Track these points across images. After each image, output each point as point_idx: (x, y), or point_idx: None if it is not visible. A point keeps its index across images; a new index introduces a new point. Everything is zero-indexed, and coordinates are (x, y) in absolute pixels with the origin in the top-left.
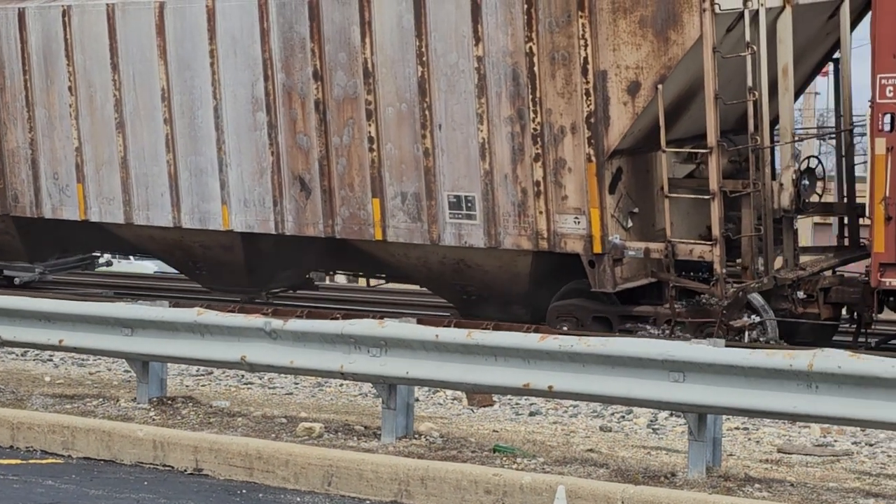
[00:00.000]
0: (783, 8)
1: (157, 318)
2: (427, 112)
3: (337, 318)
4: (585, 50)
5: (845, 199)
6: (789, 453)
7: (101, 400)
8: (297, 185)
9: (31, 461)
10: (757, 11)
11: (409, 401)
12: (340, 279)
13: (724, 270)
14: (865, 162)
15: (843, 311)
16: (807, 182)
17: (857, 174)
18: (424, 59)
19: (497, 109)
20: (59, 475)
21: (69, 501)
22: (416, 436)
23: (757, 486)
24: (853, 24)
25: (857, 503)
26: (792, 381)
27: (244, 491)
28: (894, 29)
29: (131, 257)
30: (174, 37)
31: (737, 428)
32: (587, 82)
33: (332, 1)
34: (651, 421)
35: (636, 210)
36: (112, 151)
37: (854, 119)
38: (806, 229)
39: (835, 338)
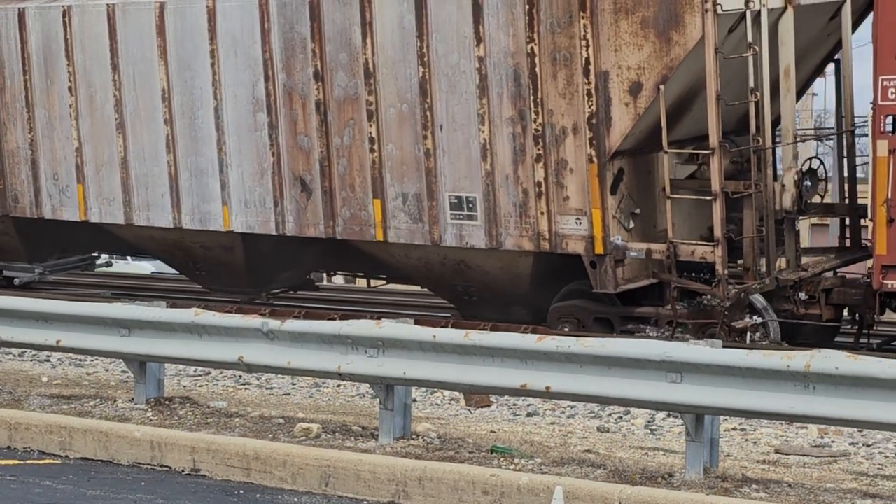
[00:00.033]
0: (785, 9)
1: (155, 318)
2: (428, 113)
3: (334, 319)
4: (587, 50)
5: (846, 200)
6: (787, 454)
7: (98, 400)
8: (298, 185)
9: (28, 462)
10: (759, 12)
11: (406, 401)
12: (338, 280)
13: (726, 271)
14: (865, 164)
15: (845, 313)
16: (808, 183)
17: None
18: (426, 59)
19: (498, 110)
20: (57, 475)
21: (67, 502)
22: (414, 436)
23: (754, 486)
24: (854, 25)
25: None
26: (789, 381)
27: (241, 491)
28: None
29: (128, 257)
30: (175, 37)
31: (734, 429)
32: (589, 83)
33: (333, 1)
34: (648, 422)
35: (638, 211)
36: (112, 152)
37: (856, 120)
38: (803, 230)
39: (837, 339)
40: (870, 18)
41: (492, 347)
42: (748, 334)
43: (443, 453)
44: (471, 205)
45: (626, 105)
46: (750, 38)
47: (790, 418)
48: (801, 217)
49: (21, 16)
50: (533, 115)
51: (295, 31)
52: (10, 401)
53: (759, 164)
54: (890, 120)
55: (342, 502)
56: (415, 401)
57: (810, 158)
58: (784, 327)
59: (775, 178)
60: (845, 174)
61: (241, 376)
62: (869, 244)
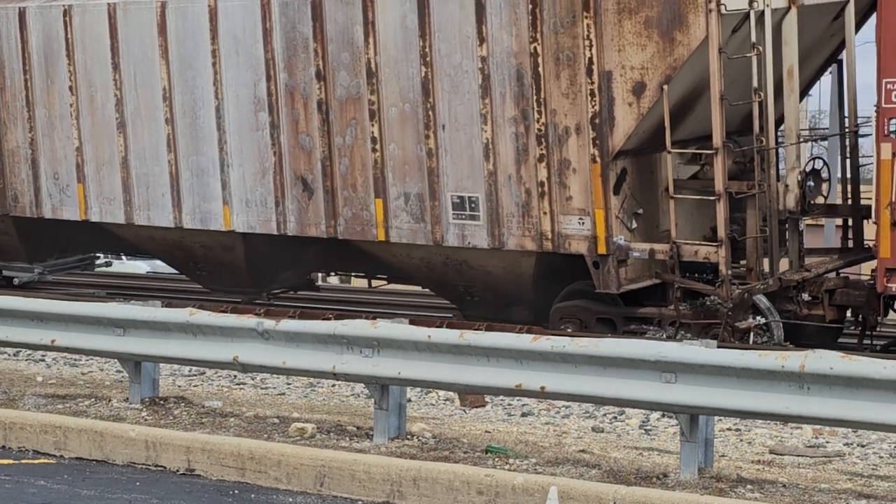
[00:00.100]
0: (788, 9)
1: (150, 318)
2: (430, 112)
3: (329, 319)
4: (590, 50)
5: (849, 201)
6: (781, 454)
7: (93, 400)
8: (300, 185)
9: (23, 461)
10: (762, 12)
11: (401, 401)
12: (333, 279)
13: (729, 272)
14: (864, 165)
15: (848, 314)
16: (812, 183)
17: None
18: (428, 59)
19: (501, 110)
20: (52, 475)
21: (61, 501)
22: (409, 436)
23: (749, 487)
24: (858, 26)
25: None
26: (784, 382)
27: (236, 491)
28: None
29: (123, 257)
30: (176, 36)
31: (729, 429)
32: (592, 83)
33: (335, 1)
34: (643, 422)
35: (640, 211)
36: (113, 151)
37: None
38: None
39: (840, 340)
40: (873, 19)
41: (487, 347)
42: (751, 335)
43: (438, 453)
44: (473, 205)
45: (629, 105)
46: (754, 38)
47: (785, 419)
48: (804, 217)
49: (22, 15)
50: (536, 115)
51: (297, 30)
52: (5, 400)
53: (762, 165)
54: (894, 123)
55: (337, 502)
56: (410, 401)
57: (813, 159)
58: (787, 328)
59: (778, 178)
60: (848, 175)
61: (235, 376)
62: (872, 246)
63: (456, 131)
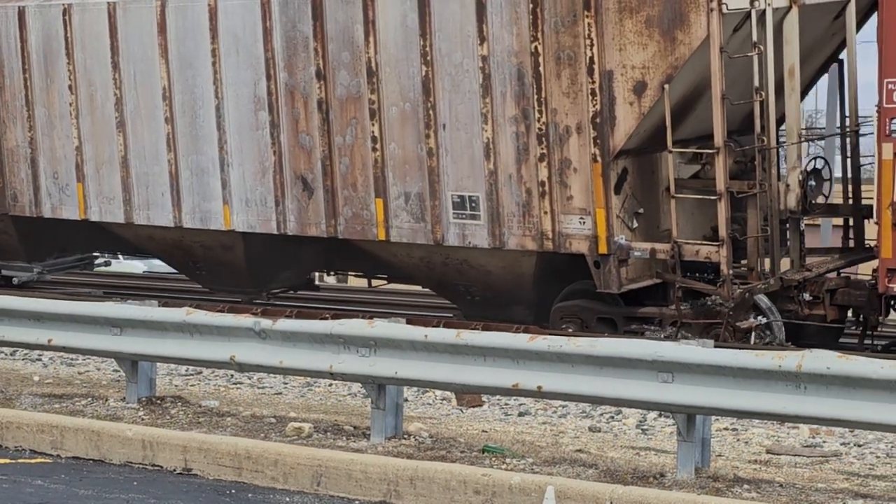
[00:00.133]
0: (789, 8)
1: (147, 317)
2: (431, 112)
3: (326, 318)
4: (591, 50)
5: (850, 201)
6: (778, 454)
7: (90, 399)
8: (300, 184)
9: (20, 461)
10: (763, 11)
11: (398, 401)
12: (329, 279)
13: (731, 272)
14: (864, 165)
15: (849, 314)
16: (813, 183)
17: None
18: (429, 58)
19: (502, 109)
20: (49, 475)
21: (58, 501)
22: (406, 436)
23: (746, 486)
24: (859, 25)
25: None
26: (780, 381)
27: (233, 491)
28: None
29: (120, 256)
30: (176, 35)
31: (725, 429)
32: (593, 82)
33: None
34: (640, 421)
35: (641, 211)
36: (112, 150)
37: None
38: None
39: (841, 340)
40: (874, 19)
41: (483, 347)
42: (752, 335)
43: (434, 453)
44: (474, 204)
45: (630, 104)
46: (755, 38)
47: (781, 418)
48: (805, 217)
49: (21, 14)
50: (536, 115)
51: (297, 29)
52: (2, 400)
53: (763, 164)
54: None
55: (334, 502)
56: (406, 400)
57: (815, 158)
58: (788, 328)
59: (779, 177)
60: (848, 175)
61: (232, 375)
62: (874, 246)
63: (456, 130)
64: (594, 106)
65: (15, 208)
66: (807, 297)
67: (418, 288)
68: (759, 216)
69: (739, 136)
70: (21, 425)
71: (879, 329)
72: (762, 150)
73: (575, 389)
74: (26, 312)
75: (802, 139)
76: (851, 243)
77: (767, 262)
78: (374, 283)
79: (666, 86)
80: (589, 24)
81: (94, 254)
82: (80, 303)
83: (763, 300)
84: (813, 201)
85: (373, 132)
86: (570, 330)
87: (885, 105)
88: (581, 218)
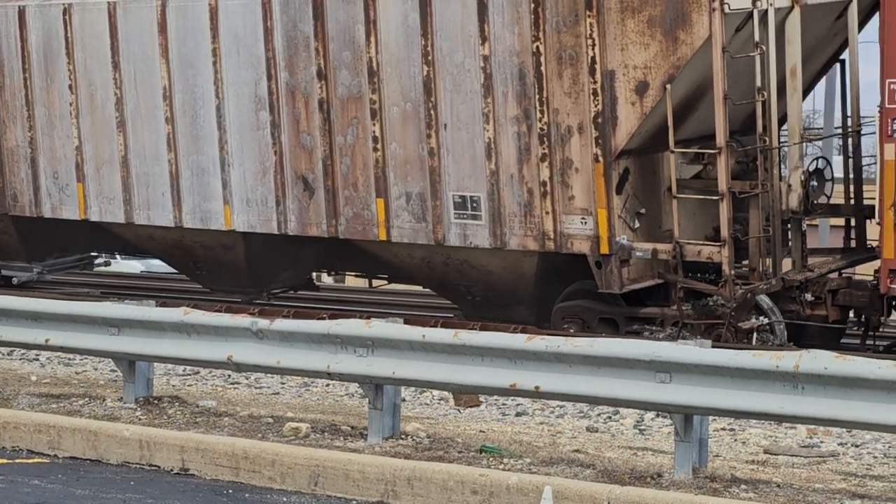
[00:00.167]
0: (791, 8)
1: (144, 317)
2: (432, 111)
3: (323, 318)
4: (593, 49)
5: (852, 201)
6: (775, 454)
7: (87, 399)
8: (301, 184)
9: (17, 461)
10: (766, 11)
11: (395, 401)
12: (326, 278)
13: (732, 272)
14: (866, 165)
15: (851, 314)
16: (815, 183)
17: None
18: (430, 58)
19: (503, 109)
20: (46, 475)
21: (55, 501)
22: (403, 436)
23: (743, 486)
24: (860, 25)
25: None
26: (778, 382)
27: (230, 491)
28: None
29: (118, 256)
30: (176, 35)
31: (723, 429)
32: (595, 82)
33: None
34: (638, 422)
35: (643, 211)
36: (113, 150)
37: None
38: None
39: (843, 340)
40: (875, 19)
41: (481, 347)
42: (754, 335)
43: (432, 453)
44: (475, 204)
45: (632, 104)
46: (757, 38)
47: (779, 418)
48: (807, 217)
49: (21, 13)
50: (538, 115)
51: (298, 29)
52: None
53: (765, 164)
54: None
55: (331, 502)
56: (404, 400)
57: (817, 158)
58: (789, 328)
59: (780, 178)
60: (850, 175)
61: (230, 375)
62: (876, 246)
63: (458, 130)
64: (596, 106)
65: (15, 208)
66: (808, 297)
67: (417, 288)
68: (761, 216)
69: (741, 137)
70: (18, 425)
71: (881, 330)
72: (764, 150)
73: (572, 389)
74: (24, 312)
75: (805, 139)
76: (853, 244)
77: (769, 262)
78: (374, 283)
79: (668, 86)
80: (591, 23)
81: (94, 254)
82: (77, 303)
83: (765, 300)
84: (815, 201)
85: (374, 132)
86: (571, 330)
87: (887, 105)
88: (583, 218)
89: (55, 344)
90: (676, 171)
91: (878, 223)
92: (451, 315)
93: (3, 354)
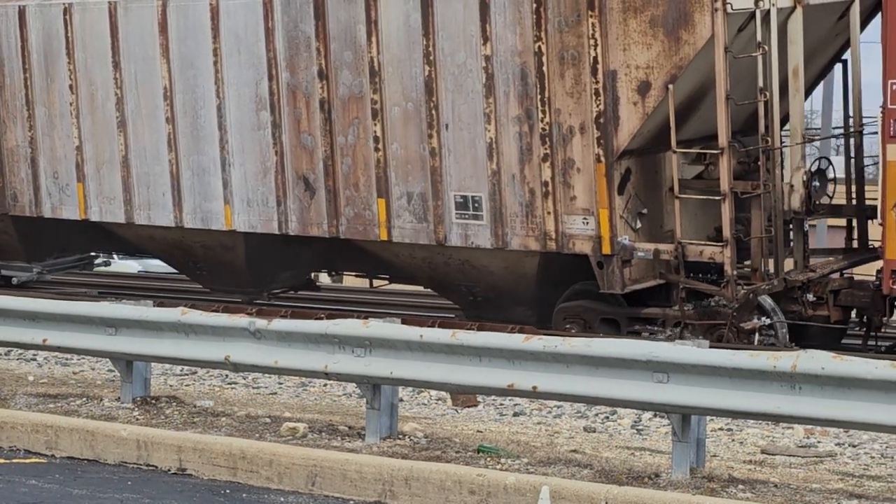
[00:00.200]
0: (794, 8)
1: (141, 317)
2: (434, 112)
3: (321, 318)
4: (595, 49)
5: (853, 201)
6: (773, 454)
7: (84, 399)
8: (302, 184)
9: (14, 460)
10: (768, 11)
11: (393, 401)
12: (323, 277)
13: (735, 272)
14: (867, 166)
15: (853, 315)
16: (817, 183)
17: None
18: (431, 58)
19: (505, 109)
20: (43, 475)
21: (52, 501)
22: (401, 436)
23: (740, 486)
24: (862, 25)
25: None
26: (775, 382)
27: (228, 491)
28: None
29: (115, 256)
30: (177, 35)
31: (720, 429)
32: (597, 82)
33: None
34: (635, 422)
35: (645, 211)
36: (113, 150)
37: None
38: None
39: (844, 341)
40: (878, 19)
41: (479, 347)
42: (756, 336)
43: (429, 453)
44: (476, 204)
45: (634, 104)
46: (759, 38)
47: (776, 418)
48: (809, 218)
49: (21, 13)
50: (540, 115)
51: (299, 29)
52: None
53: (767, 165)
54: None
55: (328, 502)
56: (401, 400)
57: (819, 159)
58: (791, 329)
59: (782, 178)
60: (852, 175)
61: (227, 375)
62: (878, 247)
63: (459, 130)
64: (598, 106)
65: (15, 208)
66: (810, 297)
67: (415, 288)
68: (763, 217)
69: (743, 137)
70: (16, 425)
71: (883, 330)
72: (766, 150)
73: (570, 390)
74: (21, 312)
75: (807, 140)
76: (855, 244)
77: (771, 262)
78: (375, 283)
79: (670, 86)
80: (593, 23)
81: (94, 254)
82: (75, 303)
83: (767, 301)
84: (817, 202)
85: (375, 132)
86: (573, 331)
87: (889, 106)
88: (584, 218)
89: (52, 344)
90: (678, 171)
91: (881, 224)
92: (450, 315)
93: (1, 354)
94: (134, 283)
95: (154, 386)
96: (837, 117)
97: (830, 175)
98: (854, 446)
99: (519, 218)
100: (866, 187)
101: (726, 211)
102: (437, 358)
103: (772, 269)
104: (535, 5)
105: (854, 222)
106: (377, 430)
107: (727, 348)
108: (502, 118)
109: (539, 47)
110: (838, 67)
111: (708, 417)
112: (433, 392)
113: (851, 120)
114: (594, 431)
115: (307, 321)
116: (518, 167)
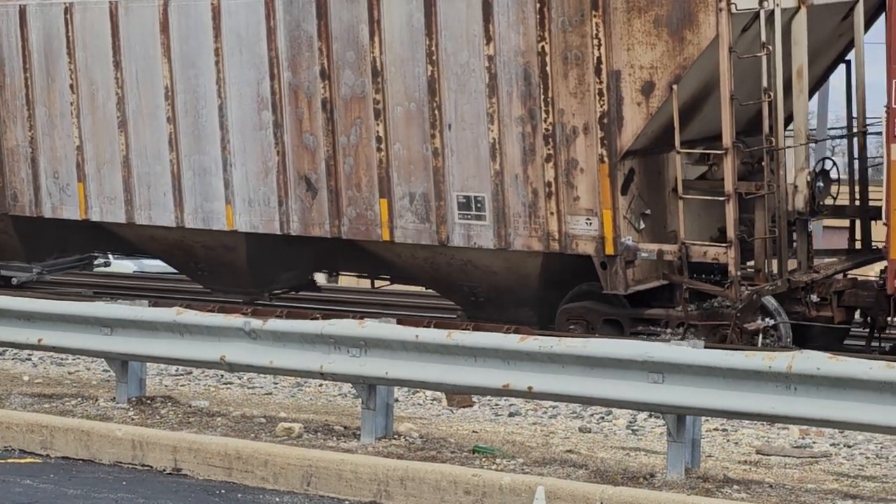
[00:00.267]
0: (798, 8)
1: (137, 317)
2: (436, 112)
3: (317, 318)
4: (599, 49)
5: (857, 202)
6: (768, 455)
7: (79, 399)
8: (303, 184)
9: (9, 460)
10: (772, 11)
11: (388, 401)
12: (319, 277)
13: (738, 273)
14: (871, 166)
15: (857, 315)
16: (821, 184)
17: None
18: (434, 58)
19: (508, 109)
20: (38, 475)
21: (47, 501)
22: (396, 436)
23: (735, 487)
24: (867, 26)
25: None
26: (771, 382)
27: (223, 491)
28: None
29: (110, 256)
30: (178, 34)
31: (715, 429)
32: (600, 82)
33: None
34: (630, 422)
35: (648, 211)
36: (114, 150)
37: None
38: None
39: (847, 342)
40: (881, 19)
41: (474, 347)
42: (760, 336)
43: (425, 453)
44: (479, 205)
45: (637, 105)
46: (764, 38)
47: (771, 419)
48: (813, 218)
49: (22, 12)
50: (543, 115)
51: (301, 28)
52: None
53: (771, 165)
54: None
55: (324, 502)
56: (397, 401)
57: (823, 159)
58: (795, 329)
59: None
60: (855, 176)
61: (222, 376)
62: (882, 247)
63: (462, 131)
64: (601, 106)
65: (15, 208)
66: (814, 298)
67: (412, 288)
68: (767, 217)
69: (746, 137)
70: (10, 425)
71: (887, 331)
72: (770, 150)
73: (565, 390)
74: (16, 312)
75: (810, 140)
76: (858, 245)
77: (775, 263)
78: (376, 283)
79: (674, 86)
80: (597, 23)
81: (94, 254)
82: (70, 302)
83: (770, 302)
84: (821, 202)
85: (377, 132)
86: (577, 331)
87: (893, 106)
88: (587, 219)
89: (48, 344)
90: (682, 171)
91: (885, 224)
92: (447, 316)
93: None
94: (129, 283)
95: (149, 386)
96: (833, 118)
97: (834, 175)
98: (849, 447)
99: (522, 218)
100: (869, 188)
101: (730, 211)
102: (432, 358)
103: (775, 270)
104: (538, 5)
105: (857, 223)
106: (372, 431)
107: (722, 348)
108: (505, 118)
109: (542, 47)
110: (839, 68)
111: (703, 418)
112: (428, 392)
113: (855, 120)
114: (589, 432)
115: (302, 321)
116: (521, 167)
